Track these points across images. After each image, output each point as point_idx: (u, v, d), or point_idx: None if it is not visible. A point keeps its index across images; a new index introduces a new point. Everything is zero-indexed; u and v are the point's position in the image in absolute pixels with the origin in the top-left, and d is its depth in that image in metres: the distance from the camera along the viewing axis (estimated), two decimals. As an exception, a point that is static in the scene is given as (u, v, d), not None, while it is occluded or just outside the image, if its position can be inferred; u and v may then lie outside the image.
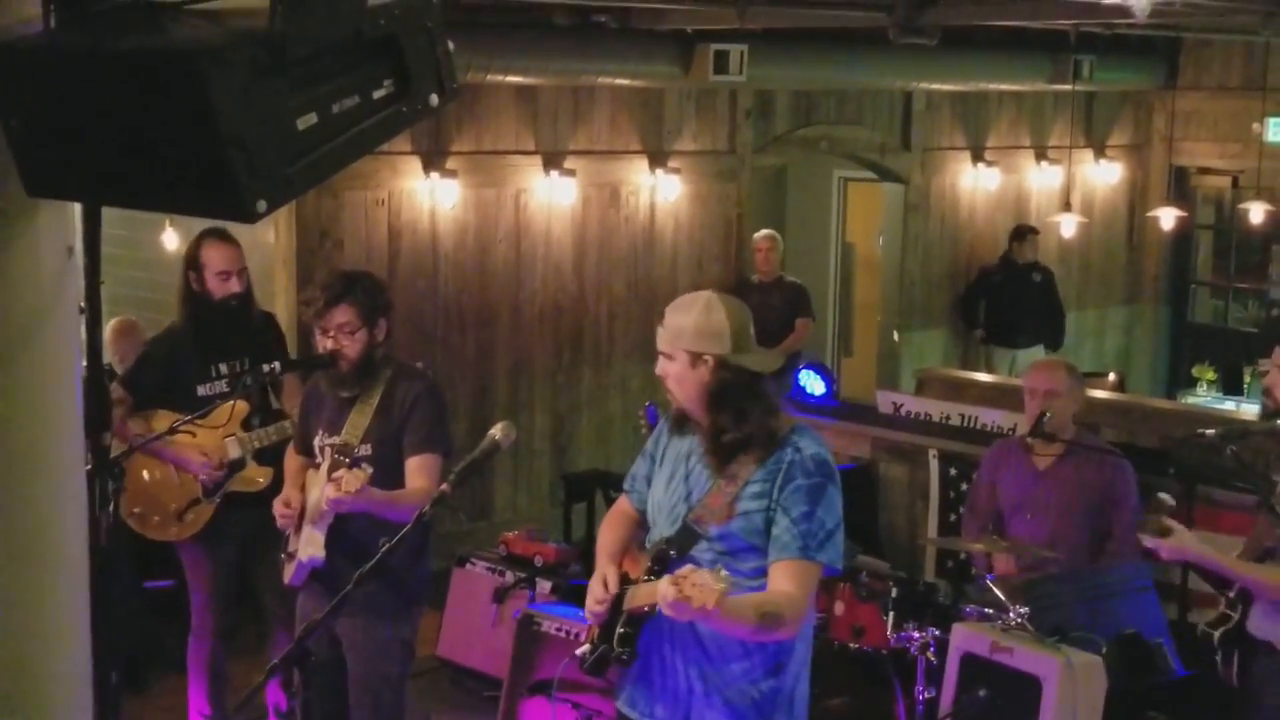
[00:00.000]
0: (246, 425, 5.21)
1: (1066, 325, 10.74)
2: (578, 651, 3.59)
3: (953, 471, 6.50)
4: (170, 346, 5.33)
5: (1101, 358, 11.62)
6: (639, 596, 3.42)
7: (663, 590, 3.04)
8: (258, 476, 5.19)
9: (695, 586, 2.96)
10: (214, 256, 5.21)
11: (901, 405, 7.12)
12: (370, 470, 4.18)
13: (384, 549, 3.38)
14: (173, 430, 4.78)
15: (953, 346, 10.90)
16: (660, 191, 8.97)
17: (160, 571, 5.99)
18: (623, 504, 3.79)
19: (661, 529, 3.56)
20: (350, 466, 4.23)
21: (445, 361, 8.06)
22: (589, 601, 3.52)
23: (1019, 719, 4.41)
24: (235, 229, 6.93)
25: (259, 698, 5.29)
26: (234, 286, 5.21)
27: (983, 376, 8.68)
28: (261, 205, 2.16)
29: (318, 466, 4.48)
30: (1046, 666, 4.40)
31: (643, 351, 9.00)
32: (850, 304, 11.21)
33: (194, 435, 5.04)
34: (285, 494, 4.56)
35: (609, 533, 3.74)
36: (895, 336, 10.64)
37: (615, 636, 3.46)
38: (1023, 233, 10.65)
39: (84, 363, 2.70)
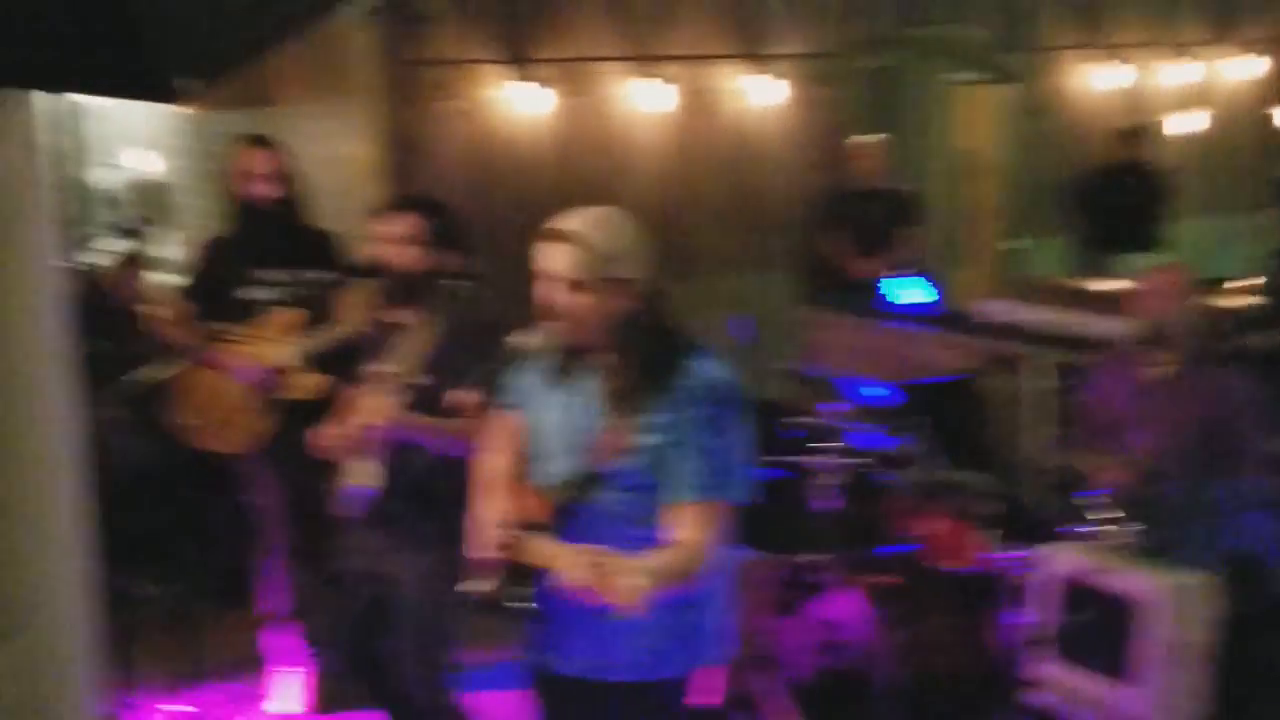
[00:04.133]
0: (301, 334, 5.10)
1: (1193, 232, 10.25)
2: (472, 590, 3.28)
3: (1062, 383, 6.18)
4: (218, 253, 5.29)
5: (1248, 266, 11.07)
6: (538, 552, 3.18)
7: (573, 575, 2.89)
8: (312, 383, 5.07)
9: (613, 578, 2.80)
10: (245, 160, 5.17)
11: (1007, 314, 6.78)
12: (400, 397, 4.04)
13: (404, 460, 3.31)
14: (220, 337, 4.73)
15: (1071, 254, 10.46)
16: (758, 97, 8.65)
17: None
18: (504, 422, 3.48)
19: (555, 462, 3.29)
20: (390, 394, 4.12)
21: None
22: (481, 547, 3.27)
23: (1120, 643, 4.15)
24: (299, 139, 6.89)
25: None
26: (266, 190, 5.14)
27: (1094, 284, 8.29)
28: (182, 85, 2.04)
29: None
30: (1149, 588, 4.12)
31: (743, 262, 8.75)
32: (962, 211, 10.81)
33: (248, 345, 5.03)
34: (332, 419, 4.41)
35: (493, 459, 3.46)
36: (1009, 245, 10.24)
37: (519, 591, 3.21)
38: (1124, 134, 10.19)
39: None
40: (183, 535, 6.43)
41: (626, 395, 3.19)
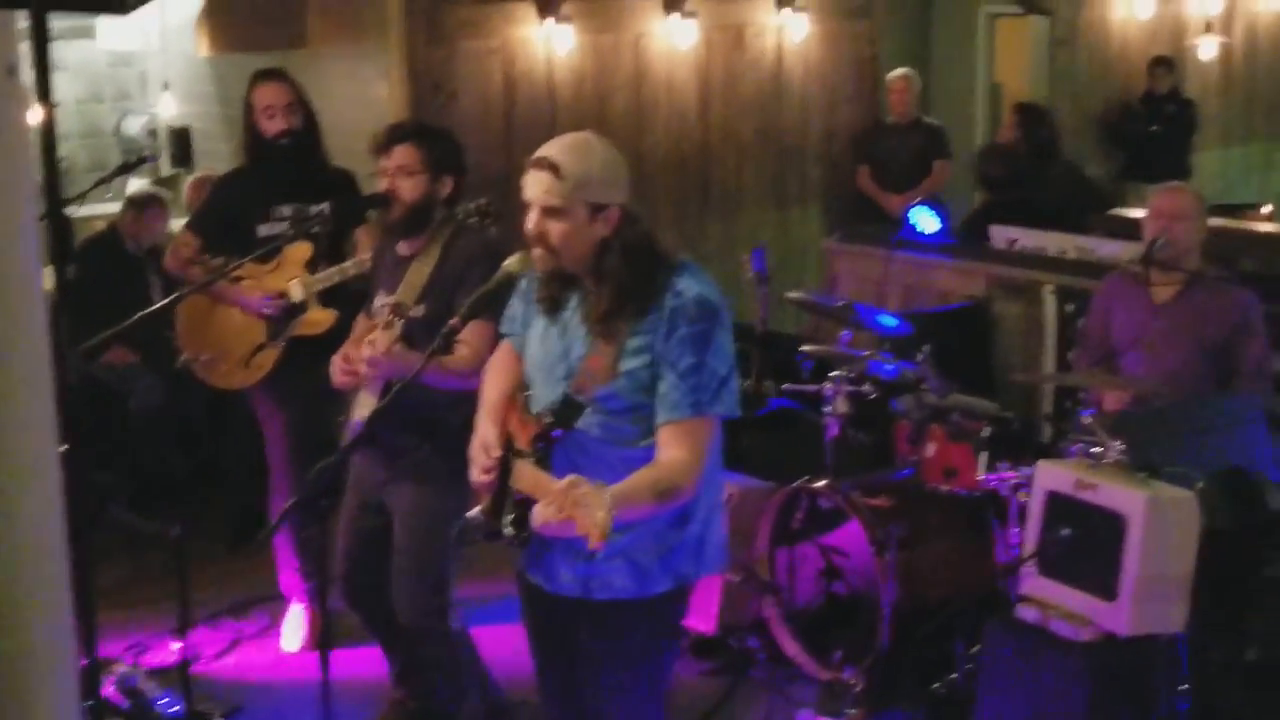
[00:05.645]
0: (311, 269, 5.13)
1: (1229, 160, 10.19)
2: (468, 514, 3.42)
3: (1069, 307, 6.19)
4: (232, 188, 5.31)
5: (1267, 195, 10.96)
6: (524, 479, 3.23)
7: (542, 514, 2.88)
8: (321, 319, 5.13)
9: (578, 506, 2.79)
10: (259, 94, 5.17)
11: (1016, 240, 6.78)
12: (398, 329, 4.08)
13: (395, 390, 3.36)
14: (226, 270, 4.78)
15: (1105, 186, 10.39)
16: (788, 32, 8.65)
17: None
18: (504, 349, 3.57)
19: (540, 388, 3.35)
20: (389, 326, 4.16)
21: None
22: (474, 471, 3.35)
23: (1104, 558, 4.16)
24: (327, 81, 6.92)
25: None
26: (280, 124, 5.13)
27: (1112, 212, 8.25)
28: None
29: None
30: (1131, 503, 4.13)
31: (773, 199, 8.77)
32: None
33: (259, 280, 5.06)
34: (343, 350, 4.38)
35: (491, 384, 3.52)
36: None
37: (507, 519, 3.28)
38: (1155, 64, 10.12)
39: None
40: (193, 473, 6.55)
41: (607, 319, 3.21)
